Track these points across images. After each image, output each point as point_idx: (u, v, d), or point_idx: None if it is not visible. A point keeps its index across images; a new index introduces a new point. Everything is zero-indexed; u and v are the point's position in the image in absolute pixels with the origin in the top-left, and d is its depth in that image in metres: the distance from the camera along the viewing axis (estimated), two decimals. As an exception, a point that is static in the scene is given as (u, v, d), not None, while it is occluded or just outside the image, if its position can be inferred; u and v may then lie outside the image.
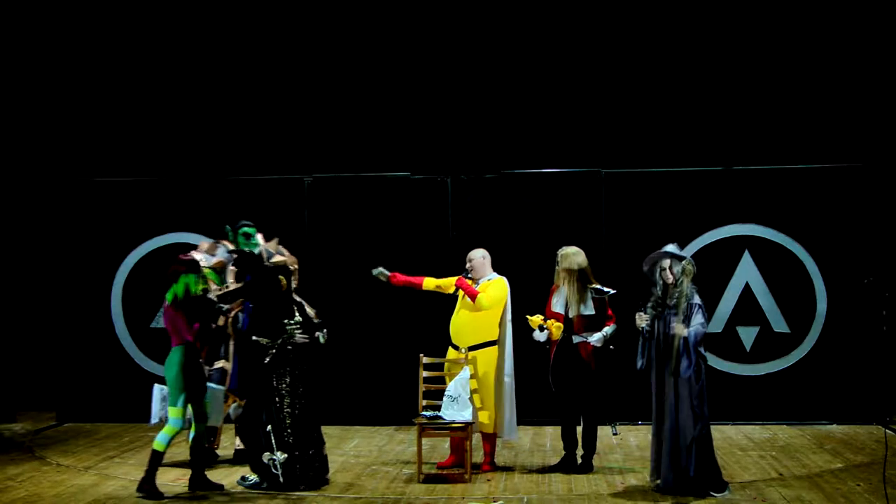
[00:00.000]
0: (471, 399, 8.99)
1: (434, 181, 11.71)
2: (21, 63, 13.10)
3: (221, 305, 9.18)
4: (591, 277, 9.18)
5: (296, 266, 9.16)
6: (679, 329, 8.13)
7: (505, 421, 9.30)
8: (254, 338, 8.73)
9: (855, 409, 11.23)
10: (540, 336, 9.10)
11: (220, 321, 9.46)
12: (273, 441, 8.54)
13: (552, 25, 12.71)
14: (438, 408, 9.08)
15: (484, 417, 9.18)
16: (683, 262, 8.30)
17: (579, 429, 9.20)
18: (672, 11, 12.57)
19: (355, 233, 11.73)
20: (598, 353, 9.09)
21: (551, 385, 9.18)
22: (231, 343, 9.53)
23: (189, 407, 8.60)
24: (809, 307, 11.34)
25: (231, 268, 9.46)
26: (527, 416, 9.84)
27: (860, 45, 12.33)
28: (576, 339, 9.06)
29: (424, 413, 9.11)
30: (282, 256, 9.18)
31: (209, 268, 9.49)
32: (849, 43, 12.34)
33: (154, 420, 9.13)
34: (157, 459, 8.46)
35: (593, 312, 9.06)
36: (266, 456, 8.56)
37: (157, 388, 9.14)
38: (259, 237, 9.07)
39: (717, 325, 11.27)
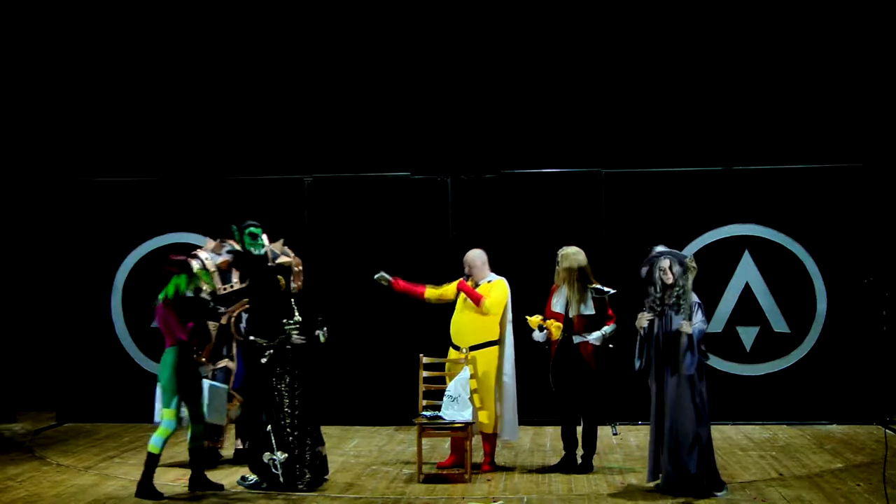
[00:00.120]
0: (471, 399, 9.00)
1: (434, 181, 11.71)
2: (21, 63, 13.09)
3: (217, 306, 9.20)
4: (592, 277, 9.18)
5: (300, 268, 9.16)
6: (685, 327, 8.14)
7: (505, 421, 9.30)
8: (251, 338, 8.74)
9: (855, 409, 11.23)
10: (539, 336, 9.10)
11: (223, 320, 9.47)
12: (273, 441, 8.54)
13: (552, 26, 12.70)
14: (438, 408, 9.08)
15: (484, 417, 9.18)
16: (686, 261, 8.32)
17: (579, 429, 9.20)
18: (672, 11, 12.57)
19: (355, 233, 11.73)
20: (598, 353, 9.09)
21: (551, 385, 9.19)
22: (234, 343, 9.53)
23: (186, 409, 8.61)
24: (809, 307, 11.34)
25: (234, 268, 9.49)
26: (527, 416, 9.84)
27: (860, 45, 12.33)
28: (576, 339, 9.06)
29: (424, 413, 9.11)
30: (287, 258, 9.18)
31: (215, 266, 9.49)
32: (849, 43, 12.34)
33: (158, 418, 9.08)
34: (152, 462, 8.45)
35: (593, 312, 9.06)
36: (266, 456, 8.56)
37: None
38: (265, 237, 9.08)
39: (717, 325, 11.26)
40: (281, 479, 8.54)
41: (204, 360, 9.38)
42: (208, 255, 9.54)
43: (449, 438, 9.51)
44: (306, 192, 11.79)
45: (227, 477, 9.00)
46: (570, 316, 9.08)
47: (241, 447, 9.53)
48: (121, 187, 12.10)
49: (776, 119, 12.45)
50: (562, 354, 9.10)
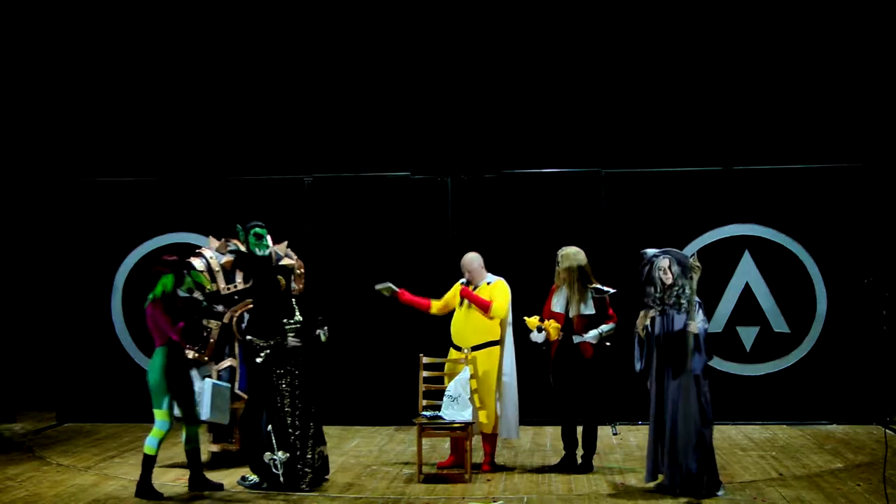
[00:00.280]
0: (471, 399, 9.00)
1: (434, 181, 11.71)
2: (22, 63, 13.10)
3: (214, 305, 9.19)
4: (592, 277, 9.18)
5: (301, 270, 9.16)
6: (693, 327, 8.14)
7: (505, 420, 9.30)
8: (248, 337, 8.75)
9: (855, 409, 11.23)
10: (537, 337, 9.10)
11: (226, 319, 9.47)
12: (274, 441, 8.55)
13: (551, 26, 12.70)
14: (438, 408, 9.09)
15: (484, 417, 9.18)
16: (687, 261, 8.32)
17: (579, 429, 9.20)
18: (671, 11, 12.57)
19: (355, 233, 11.73)
20: (598, 353, 9.09)
21: (552, 384, 9.19)
22: (236, 343, 9.53)
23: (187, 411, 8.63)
24: (809, 307, 11.34)
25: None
26: (527, 416, 9.84)
27: (860, 45, 12.33)
28: (576, 338, 9.06)
29: (424, 413, 9.11)
30: (290, 259, 9.19)
31: (220, 265, 9.49)
32: (848, 43, 12.34)
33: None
34: (149, 463, 8.45)
35: (593, 312, 9.07)
36: (267, 456, 8.56)
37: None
38: (269, 239, 9.09)
39: (717, 325, 11.26)
40: (281, 479, 8.54)
41: (206, 359, 9.39)
42: (213, 254, 9.54)
43: (449, 438, 9.51)
44: (306, 192, 11.79)
45: (227, 477, 9.01)
46: (571, 316, 9.08)
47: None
48: (121, 187, 12.10)
49: (776, 119, 12.45)
50: (562, 354, 9.10)
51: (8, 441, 11.03)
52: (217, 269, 9.50)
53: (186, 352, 9.10)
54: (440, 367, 9.37)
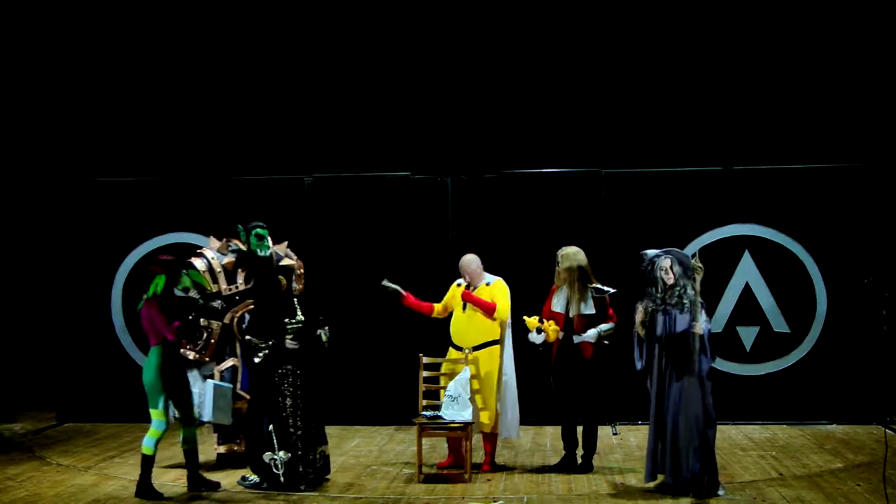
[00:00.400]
0: (471, 399, 9.00)
1: (434, 181, 11.71)
2: (22, 63, 13.09)
3: (212, 305, 9.18)
4: (592, 277, 9.18)
5: (301, 271, 9.17)
6: (697, 328, 8.14)
7: (505, 420, 9.30)
8: (247, 337, 8.75)
9: (855, 409, 11.23)
10: (536, 338, 9.10)
11: (227, 319, 9.46)
12: (275, 440, 8.55)
13: (551, 26, 12.70)
14: (438, 408, 9.09)
15: (485, 417, 9.19)
16: (688, 262, 8.32)
17: (579, 429, 9.20)
18: (671, 11, 12.57)
19: (355, 233, 11.73)
20: (598, 353, 9.09)
21: (552, 384, 9.19)
22: (237, 343, 9.52)
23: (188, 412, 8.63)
24: (809, 307, 11.34)
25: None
26: (527, 416, 9.84)
27: (860, 45, 12.33)
28: (576, 338, 9.06)
29: (424, 413, 9.11)
30: (290, 260, 9.20)
31: (221, 266, 9.49)
32: (848, 43, 12.34)
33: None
34: (147, 463, 8.45)
35: (594, 312, 9.07)
36: (268, 455, 8.56)
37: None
38: (269, 239, 9.08)
39: (717, 325, 11.26)
40: (282, 479, 8.54)
41: (207, 359, 9.38)
42: (214, 255, 9.54)
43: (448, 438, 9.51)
44: (306, 192, 11.79)
45: (228, 477, 9.01)
46: (571, 316, 9.08)
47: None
48: (121, 187, 12.10)
49: (775, 119, 12.45)
50: (562, 354, 9.10)
51: (8, 441, 11.03)
52: (219, 269, 9.49)
53: (188, 353, 9.13)
54: (440, 367, 9.37)
